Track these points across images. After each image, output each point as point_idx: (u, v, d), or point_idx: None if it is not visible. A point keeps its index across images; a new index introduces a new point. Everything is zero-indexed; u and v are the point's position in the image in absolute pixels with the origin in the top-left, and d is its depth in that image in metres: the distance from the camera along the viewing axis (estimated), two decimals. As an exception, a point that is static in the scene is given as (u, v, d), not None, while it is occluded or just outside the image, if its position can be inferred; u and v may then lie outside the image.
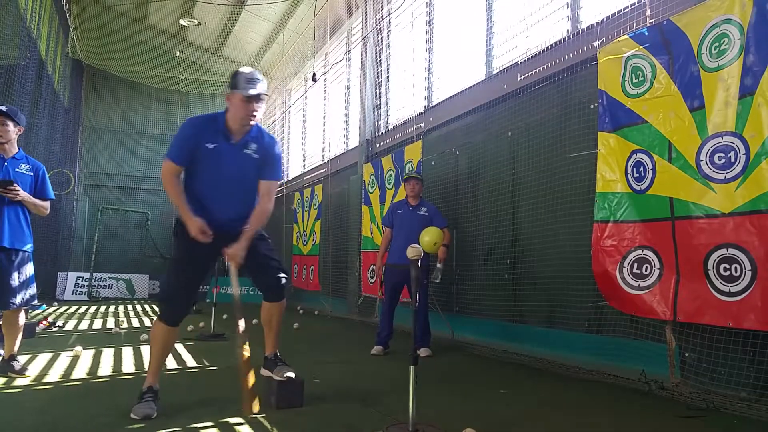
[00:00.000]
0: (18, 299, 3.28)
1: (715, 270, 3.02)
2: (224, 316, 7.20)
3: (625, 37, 3.68)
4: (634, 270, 3.50)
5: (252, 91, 2.52)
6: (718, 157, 3.05)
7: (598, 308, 4.03)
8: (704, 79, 3.15)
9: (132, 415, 2.47)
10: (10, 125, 3.29)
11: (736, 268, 2.92)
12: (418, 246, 2.42)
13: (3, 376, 3.32)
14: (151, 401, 2.53)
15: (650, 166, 3.43)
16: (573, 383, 3.65)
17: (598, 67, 3.88)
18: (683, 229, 3.21)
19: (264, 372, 2.85)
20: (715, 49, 3.10)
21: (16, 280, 3.28)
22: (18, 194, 3.23)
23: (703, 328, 3.13)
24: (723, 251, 2.99)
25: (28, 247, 3.38)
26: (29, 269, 3.40)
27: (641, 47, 3.53)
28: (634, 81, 3.58)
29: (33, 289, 3.43)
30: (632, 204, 3.56)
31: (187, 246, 2.57)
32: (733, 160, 2.98)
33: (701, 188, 3.12)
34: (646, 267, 3.44)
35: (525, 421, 2.72)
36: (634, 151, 3.54)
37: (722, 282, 2.98)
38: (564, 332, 4.42)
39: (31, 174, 3.39)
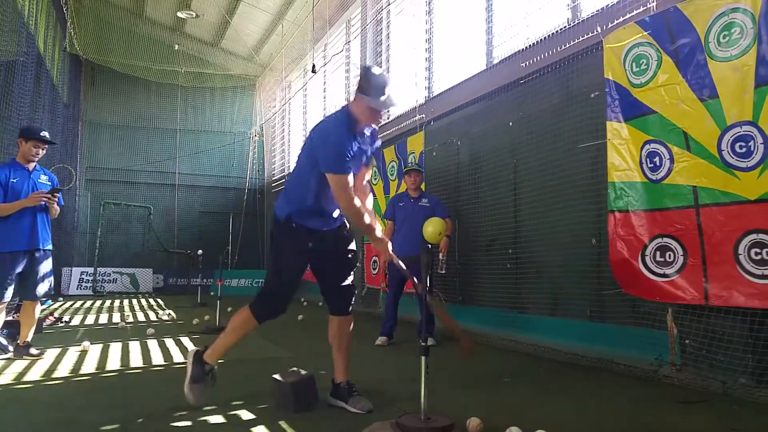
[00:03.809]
0: (41, 291, 3.82)
1: (746, 254, 3.03)
2: (229, 309, 7.25)
3: (630, 24, 3.64)
4: (658, 258, 3.49)
5: (386, 105, 2.50)
6: (739, 146, 3.05)
7: (600, 296, 4.06)
8: (713, 68, 3.13)
9: (187, 392, 2.59)
10: (45, 149, 3.86)
11: (767, 252, 2.94)
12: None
13: (20, 359, 3.79)
14: (204, 386, 2.64)
15: (667, 156, 3.41)
16: (575, 371, 3.70)
17: (603, 56, 3.82)
18: (710, 216, 3.20)
19: (333, 401, 2.71)
20: (724, 38, 3.08)
21: (41, 275, 3.82)
22: (56, 201, 3.82)
23: (703, 314, 3.16)
24: (753, 236, 3.00)
25: (49, 246, 3.89)
26: (49, 265, 3.91)
27: (646, 34, 3.49)
28: (636, 70, 3.57)
29: (51, 283, 3.97)
30: (649, 193, 3.54)
31: (297, 249, 2.61)
32: (752, 149, 2.98)
33: (726, 176, 3.12)
34: (669, 254, 3.42)
35: (528, 408, 2.76)
36: (648, 141, 3.52)
37: (754, 266, 3.00)
38: (566, 320, 4.46)
39: (49, 184, 3.92)
